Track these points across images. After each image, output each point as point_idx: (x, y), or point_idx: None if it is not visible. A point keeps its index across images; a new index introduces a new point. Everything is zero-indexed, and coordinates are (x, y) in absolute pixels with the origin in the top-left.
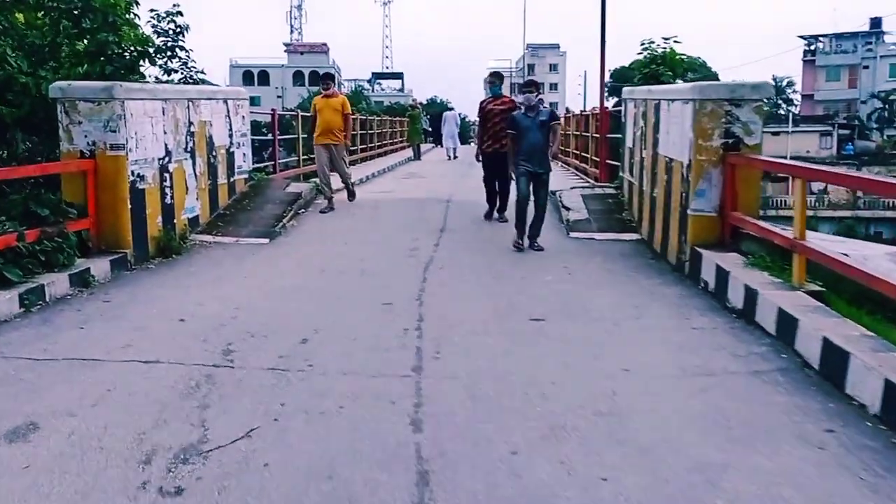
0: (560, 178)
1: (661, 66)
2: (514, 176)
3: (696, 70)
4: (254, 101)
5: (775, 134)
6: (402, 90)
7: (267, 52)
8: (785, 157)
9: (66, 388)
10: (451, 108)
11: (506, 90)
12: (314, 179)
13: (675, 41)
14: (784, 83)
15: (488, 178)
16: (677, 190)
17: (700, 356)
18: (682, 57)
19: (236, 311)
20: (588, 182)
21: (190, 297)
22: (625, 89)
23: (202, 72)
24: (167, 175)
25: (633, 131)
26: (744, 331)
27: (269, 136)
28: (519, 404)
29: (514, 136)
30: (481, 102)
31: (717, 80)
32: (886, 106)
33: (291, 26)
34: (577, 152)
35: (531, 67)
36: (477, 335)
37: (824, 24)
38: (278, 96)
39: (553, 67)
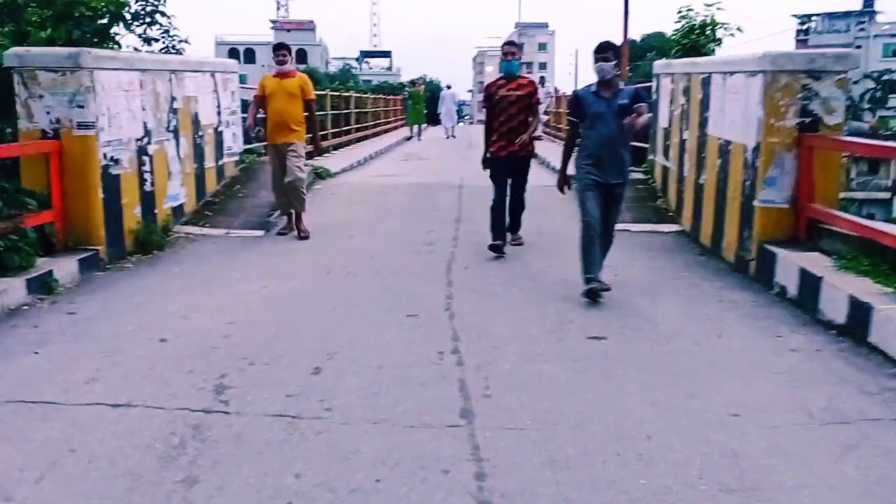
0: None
1: (701, 36)
2: (568, 187)
3: None
4: (241, 80)
5: None
6: (390, 69)
7: (253, 30)
8: None
9: (3, 452)
10: (449, 87)
11: (492, 72)
12: (311, 161)
13: (718, 7)
14: None
15: (499, 193)
16: (736, 177)
17: (821, 393)
18: (726, 26)
19: (230, 327)
20: None
21: (173, 306)
22: (657, 63)
23: (186, 41)
24: (146, 158)
25: (670, 110)
26: (857, 355)
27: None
28: (614, 473)
29: (574, 125)
30: (488, 85)
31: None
32: (879, 86)
33: (278, 3)
34: None
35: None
36: (530, 360)
37: (817, 3)
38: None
39: (542, 47)
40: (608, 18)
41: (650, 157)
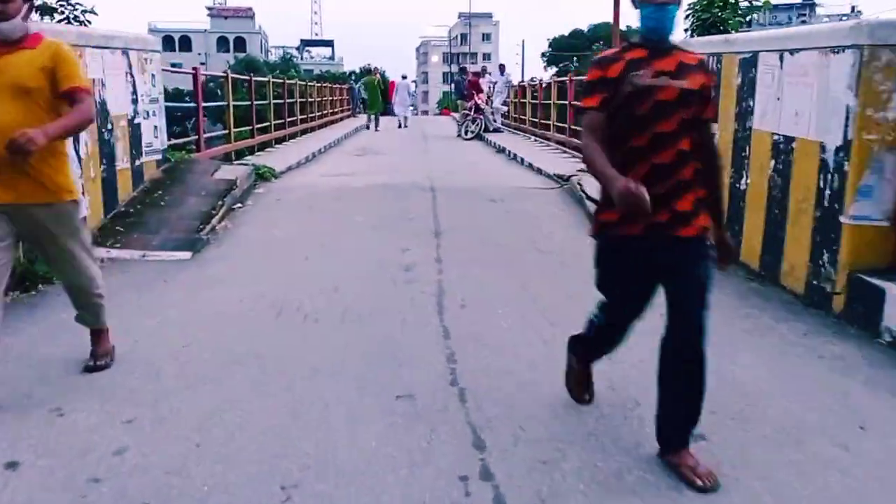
0: (550, 157)
1: (724, 11)
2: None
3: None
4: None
5: None
6: (332, 58)
7: (188, 16)
8: None
9: None
10: (405, 77)
11: (434, 62)
12: (252, 158)
13: None
14: None
15: (618, 317)
16: (805, 184)
17: None
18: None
19: (125, 437)
20: None
21: (47, 390)
22: (705, 41)
23: (92, 11)
24: None
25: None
26: None
27: (192, 104)
28: None
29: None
30: (602, 61)
31: None
32: None
33: None
34: (557, 124)
35: (463, 37)
36: (598, 483)
37: None
38: (202, 63)
39: (486, 37)
40: (551, 11)
41: None
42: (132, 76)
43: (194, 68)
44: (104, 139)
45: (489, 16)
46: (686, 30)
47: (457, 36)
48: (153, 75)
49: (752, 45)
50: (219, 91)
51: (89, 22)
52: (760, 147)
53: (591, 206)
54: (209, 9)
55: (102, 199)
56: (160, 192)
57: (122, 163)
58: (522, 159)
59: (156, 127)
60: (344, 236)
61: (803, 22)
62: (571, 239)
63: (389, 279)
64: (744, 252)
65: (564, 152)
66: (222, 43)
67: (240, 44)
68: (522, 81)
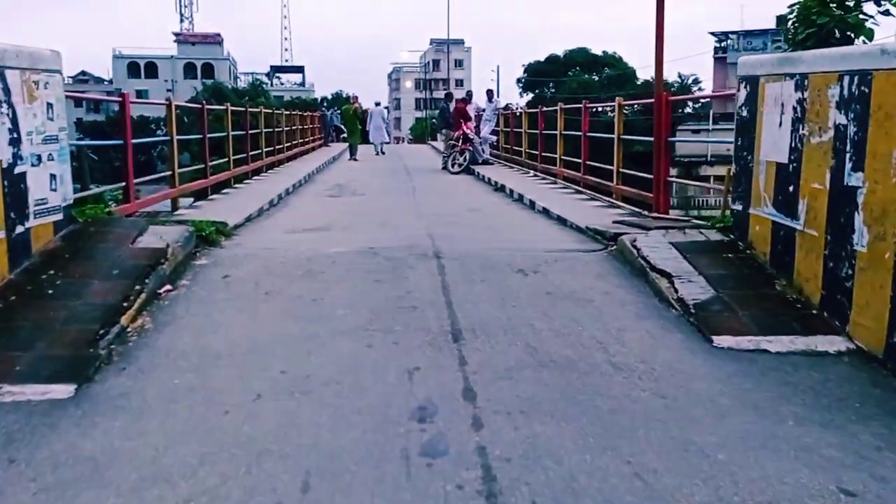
0: (569, 201)
1: (851, 13)
2: None
3: (614, 65)
4: (141, 96)
5: (695, 132)
6: (303, 84)
7: (155, 43)
8: (705, 157)
9: None
10: (378, 104)
11: (407, 88)
12: (199, 209)
13: None
14: (689, 80)
15: None
16: None
17: None
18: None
19: None
20: (624, 207)
21: None
22: (750, 59)
23: None
24: None
25: (796, 132)
26: None
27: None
28: None
29: None
30: None
31: (635, 77)
32: None
33: (181, 15)
34: (546, 154)
35: (436, 63)
36: None
37: (734, 21)
38: (168, 90)
39: (459, 63)
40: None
41: (735, 205)
42: (12, 106)
43: (121, 94)
44: None
45: (461, 42)
46: (788, 40)
47: (429, 62)
48: (50, 105)
49: None
50: (163, 125)
51: None
52: None
53: (673, 285)
54: (176, 34)
55: None
56: (52, 272)
57: None
58: (533, 203)
59: (54, 176)
60: (317, 350)
61: (778, 48)
62: (652, 340)
63: (397, 453)
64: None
65: (579, 192)
66: (190, 69)
67: (208, 70)
68: (518, 108)
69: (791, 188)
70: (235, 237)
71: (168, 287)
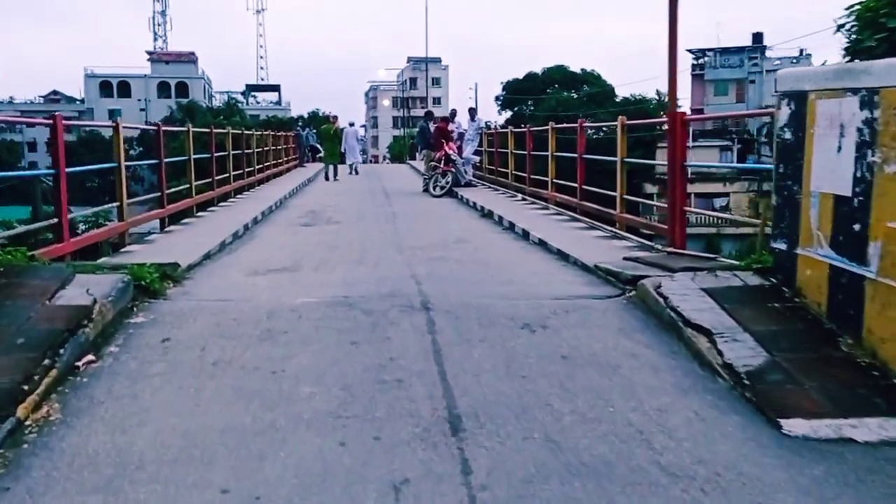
0: (567, 232)
1: None
2: None
3: (593, 82)
4: (114, 115)
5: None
6: (279, 103)
7: (128, 61)
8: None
9: None
10: (352, 124)
11: (385, 106)
12: (138, 248)
13: None
14: (666, 98)
15: None
16: None
17: None
18: None
19: None
20: (630, 239)
21: None
22: (794, 72)
23: None
24: None
25: (857, 160)
26: None
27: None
28: None
29: None
30: None
31: (614, 95)
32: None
33: (155, 33)
34: (536, 177)
35: (413, 81)
36: None
37: (710, 38)
38: (141, 109)
39: (436, 81)
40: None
41: (776, 243)
42: None
43: (54, 115)
44: None
45: (438, 60)
46: (846, 48)
47: (406, 80)
48: None
49: None
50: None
51: None
52: None
53: (715, 347)
54: (149, 53)
55: None
56: None
57: None
58: (526, 233)
59: None
60: (274, 451)
61: (755, 65)
62: (704, 426)
63: None
64: None
65: (576, 220)
66: (164, 88)
67: (182, 89)
68: (506, 127)
69: (857, 226)
70: (187, 281)
71: (90, 358)
